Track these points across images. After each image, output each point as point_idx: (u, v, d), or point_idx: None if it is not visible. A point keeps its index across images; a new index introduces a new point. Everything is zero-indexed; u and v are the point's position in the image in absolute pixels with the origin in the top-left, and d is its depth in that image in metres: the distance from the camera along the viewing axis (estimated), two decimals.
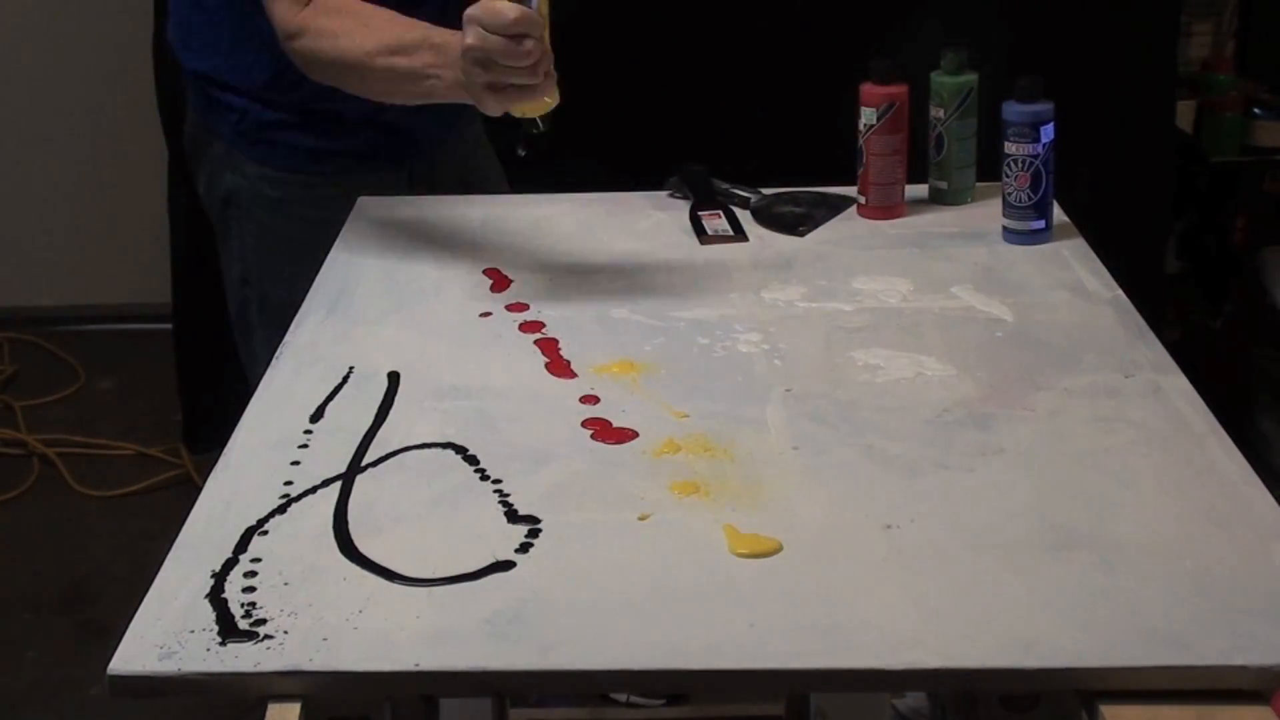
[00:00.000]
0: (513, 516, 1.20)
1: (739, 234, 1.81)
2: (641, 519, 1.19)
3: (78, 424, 3.37)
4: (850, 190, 1.87)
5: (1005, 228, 1.74)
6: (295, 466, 1.29)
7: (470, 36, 1.48)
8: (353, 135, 1.90)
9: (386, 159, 1.95)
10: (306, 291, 1.67)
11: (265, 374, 1.48)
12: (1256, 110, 3.04)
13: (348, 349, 1.53)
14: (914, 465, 1.26)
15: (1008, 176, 1.72)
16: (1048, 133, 1.70)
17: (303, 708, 1.02)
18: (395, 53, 1.61)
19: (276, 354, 1.52)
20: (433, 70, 1.57)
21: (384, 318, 1.61)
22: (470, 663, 1.03)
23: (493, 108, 1.53)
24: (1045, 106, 1.69)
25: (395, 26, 1.63)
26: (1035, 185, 1.70)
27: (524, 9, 1.46)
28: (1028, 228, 1.72)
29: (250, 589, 1.11)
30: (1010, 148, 1.71)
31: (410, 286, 1.69)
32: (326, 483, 1.26)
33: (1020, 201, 1.72)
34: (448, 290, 1.67)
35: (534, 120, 1.55)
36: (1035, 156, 1.69)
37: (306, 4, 1.69)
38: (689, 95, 2.67)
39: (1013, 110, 1.70)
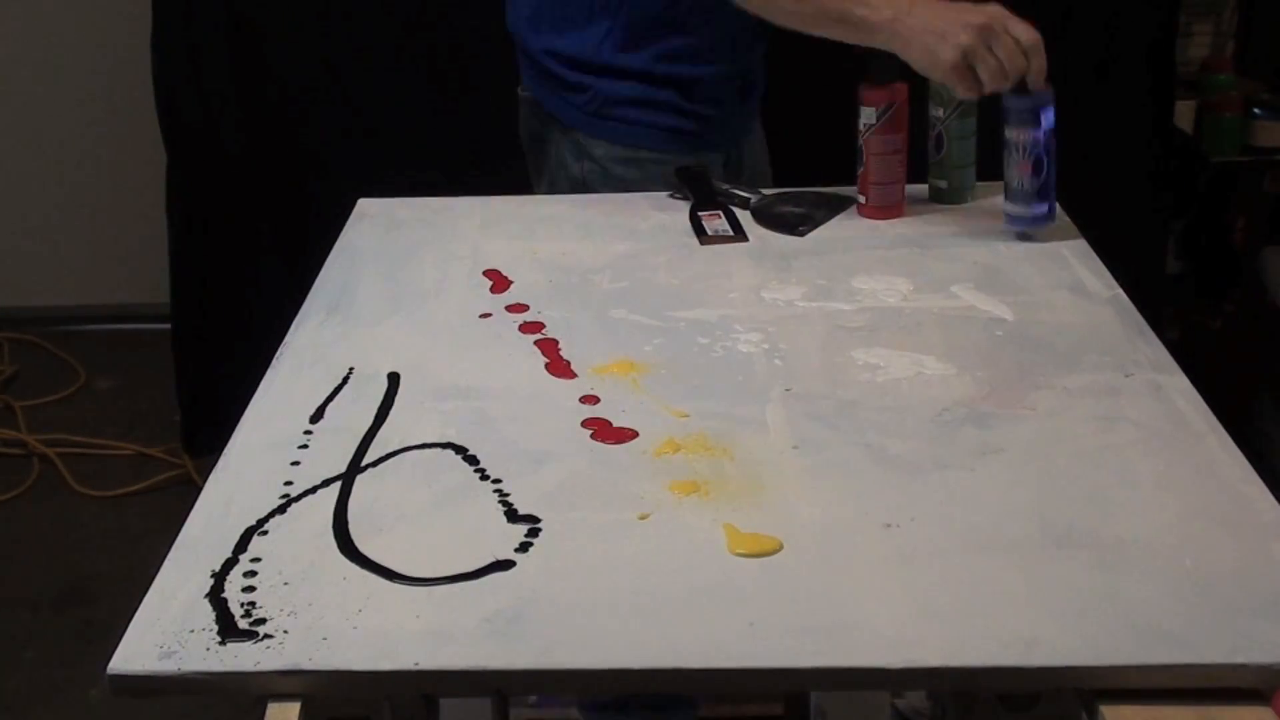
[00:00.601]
0: (513, 516, 1.20)
1: (739, 234, 1.81)
2: (641, 519, 1.19)
3: (78, 424, 3.37)
4: (850, 190, 1.86)
5: (1007, 214, 1.74)
6: (295, 467, 1.29)
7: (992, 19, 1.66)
8: (688, 117, 1.95)
9: (714, 141, 2.00)
10: None
11: (265, 375, 1.48)
12: (1256, 110, 3.04)
13: (348, 350, 1.53)
14: (914, 465, 1.26)
15: (1009, 163, 1.72)
16: (1048, 118, 1.69)
17: (302, 707, 1.02)
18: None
19: (277, 355, 1.52)
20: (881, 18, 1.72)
21: (384, 318, 1.61)
22: (470, 662, 1.03)
23: (948, 75, 1.68)
24: (1045, 92, 1.69)
25: None
26: (1037, 171, 1.70)
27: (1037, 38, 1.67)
28: (1030, 213, 1.72)
29: (250, 589, 1.11)
30: (1011, 134, 1.71)
31: (410, 287, 1.69)
32: (326, 483, 1.26)
33: (1023, 187, 1.71)
34: (448, 290, 1.67)
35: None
36: (1037, 143, 1.69)
37: None
38: None
39: (1013, 96, 1.70)
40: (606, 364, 1.47)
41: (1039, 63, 1.67)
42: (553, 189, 2.04)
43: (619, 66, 1.91)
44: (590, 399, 1.40)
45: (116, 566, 2.79)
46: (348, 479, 1.27)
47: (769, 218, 1.85)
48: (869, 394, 1.39)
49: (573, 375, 1.45)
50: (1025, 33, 1.66)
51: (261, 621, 1.07)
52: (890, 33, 1.70)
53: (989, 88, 1.68)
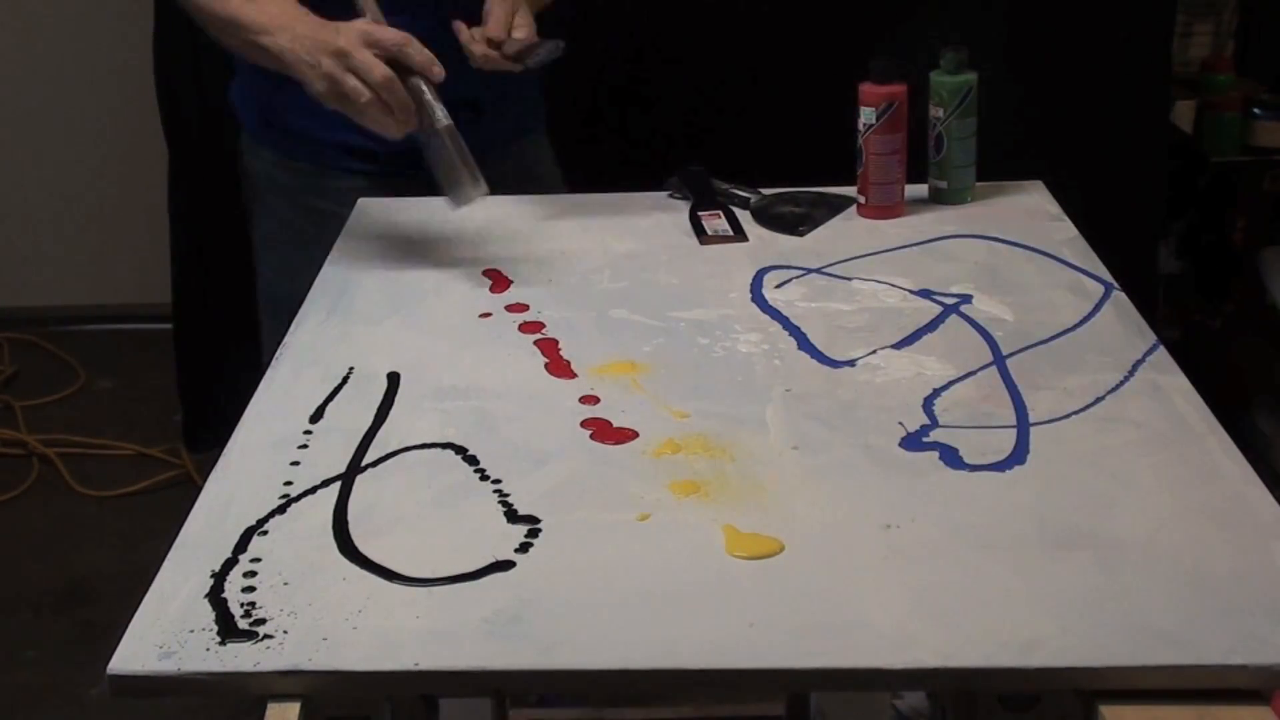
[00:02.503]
0: (513, 516, 1.20)
1: (739, 234, 1.81)
2: (641, 519, 1.19)
3: (78, 424, 3.37)
4: (850, 190, 1.87)
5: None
6: (295, 467, 1.29)
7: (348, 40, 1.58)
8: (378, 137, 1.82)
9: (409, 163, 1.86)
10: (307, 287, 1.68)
11: (265, 374, 1.48)
12: (1256, 110, 3.04)
13: (348, 349, 1.53)
14: (914, 465, 1.26)
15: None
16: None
17: (302, 707, 1.02)
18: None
19: (276, 355, 1.52)
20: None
21: (384, 318, 1.61)
22: (470, 663, 1.03)
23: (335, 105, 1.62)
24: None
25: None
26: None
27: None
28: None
29: (250, 589, 1.11)
30: None
31: (410, 287, 1.69)
32: (326, 483, 1.26)
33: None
34: (448, 290, 1.67)
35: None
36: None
37: None
38: (689, 95, 2.67)
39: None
40: (606, 364, 1.47)
41: (417, 59, 1.60)
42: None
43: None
44: (590, 399, 1.40)
45: (116, 566, 2.79)
46: (347, 479, 1.27)
47: (769, 218, 1.85)
48: (869, 394, 1.39)
49: (573, 375, 1.45)
50: (387, 37, 1.59)
51: (261, 622, 1.07)
52: (275, 53, 1.66)
53: (370, 116, 1.60)
